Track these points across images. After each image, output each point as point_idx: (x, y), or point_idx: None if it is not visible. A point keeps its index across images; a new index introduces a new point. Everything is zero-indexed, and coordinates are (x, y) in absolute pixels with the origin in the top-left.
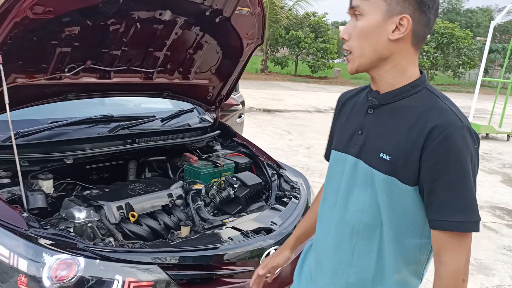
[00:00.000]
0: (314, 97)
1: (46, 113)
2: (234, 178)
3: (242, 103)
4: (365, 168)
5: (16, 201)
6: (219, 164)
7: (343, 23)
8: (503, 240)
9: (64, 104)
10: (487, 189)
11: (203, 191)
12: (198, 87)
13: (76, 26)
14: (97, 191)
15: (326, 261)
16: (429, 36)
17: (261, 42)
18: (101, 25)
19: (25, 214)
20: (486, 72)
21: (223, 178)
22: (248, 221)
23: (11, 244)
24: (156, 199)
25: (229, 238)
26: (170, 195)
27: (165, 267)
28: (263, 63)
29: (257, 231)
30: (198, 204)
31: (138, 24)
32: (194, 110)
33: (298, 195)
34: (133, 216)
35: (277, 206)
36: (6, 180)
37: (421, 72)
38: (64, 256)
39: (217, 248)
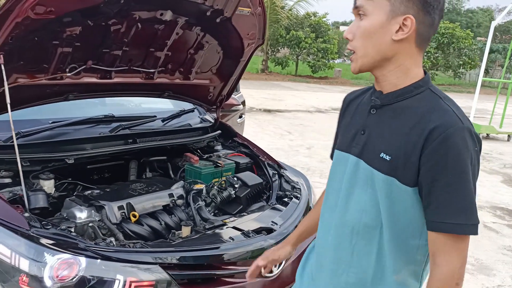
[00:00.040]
0: (314, 97)
1: (47, 113)
2: (235, 178)
3: (243, 103)
4: (366, 168)
5: (18, 201)
6: (220, 164)
7: (344, 23)
8: (503, 240)
9: (65, 104)
10: (488, 189)
11: (204, 191)
12: (199, 87)
13: (77, 26)
14: (98, 191)
15: (326, 261)
16: None
17: (262, 42)
18: (102, 25)
19: (26, 214)
20: (486, 72)
21: (224, 178)
22: (249, 221)
23: (13, 243)
24: (157, 199)
25: (230, 238)
26: (171, 195)
27: (166, 267)
28: (264, 63)
29: (258, 231)
30: (199, 204)
31: (139, 24)
32: (195, 110)
33: (299, 195)
34: (134, 216)
35: (278, 206)
36: (8, 180)
37: (425, 72)
38: (66, 255)
39: (218, 248)
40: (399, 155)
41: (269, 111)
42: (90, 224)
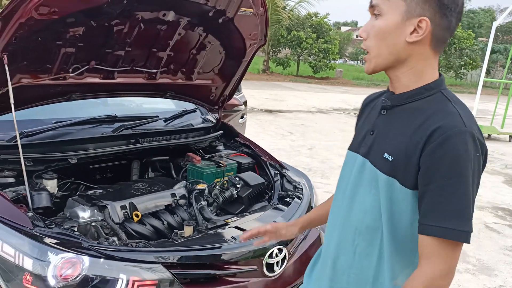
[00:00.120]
0: (316, 97)
1: (50, 113)
2: (237, 178)
3: (245, 103)
4: (371, 169)
5: (21, 200)
6: (222, 164)
7: (345, 24)
8: (505, 241)
9: (68, 104)
10: (489, 190)
11: (206, 191)
12: (201, 87)
13: (80, 27)
14: (100, 191)
15: (329, 260)
16: None
17: (263, 43)
18: (105, 25)
19: (30, 213)
20: (488, 72)
21: (226, 178)
22: (251, 221)
23: (17, 243)
24: (160, 199)
25: (232, 237)
26: (173, 195)
27: (168, 266)
28: (265, 63)
29: None
30: (201, 203)
31: (141, 24)
32: (197, 110)
33: (300, 195)
34: (137, 215)
35: (280, 206)
36: (11, 180)
37: (440, 75)
38: (69, 255)
39: (220, 247)
40: (400, 156)
41: (270, 111)
42: (93, 224)
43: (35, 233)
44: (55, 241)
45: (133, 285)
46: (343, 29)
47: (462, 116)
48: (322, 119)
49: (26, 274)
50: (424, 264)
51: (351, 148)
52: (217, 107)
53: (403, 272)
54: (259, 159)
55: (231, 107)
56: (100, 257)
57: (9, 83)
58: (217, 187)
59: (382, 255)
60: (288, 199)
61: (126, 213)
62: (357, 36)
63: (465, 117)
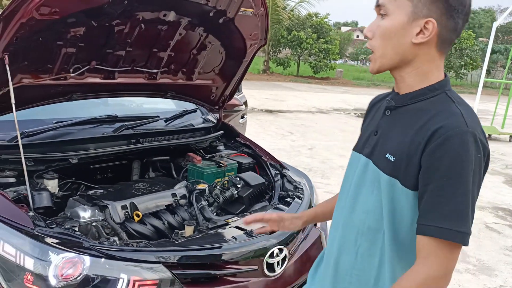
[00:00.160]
0: (316, 97)
1: (51, 113)
2: (238, 178)
3: (245, 103)
4: (373, 169)
5: (22, 200)
6: (223, 164)
7: (345, 24)
8: (505, 241)
9: (69, 104)
10: (490, 190)
11: (207, 191)
12: (201, 87)
13: (81, 27)
14: (101, 191)
15: (332, 260)
16: None
17: (264, 43)
18: (106, 25)
19: (31, 213)
20: (488, 73)
21: (226, 178)
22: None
23: (18, 242)
24: (160, 199)
25: (233, 237)
26: (174, 195)
27: (169, 266)
28: (265, 63)
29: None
30: (201, 203)
31: (142, 24)
32: (198, 110)
33: (301, 195)
34: (138, 215)
35: (280, 206)
36: (12, 180)
37: (445, 75)
38: (70, 254)
39: (220, 247)
40: (402, 156)
41: (270, 111)
42: (94, 224)
43: (36, 232)
44: (56, 241)
45: (133, 284)
46: (344, 29)
47: (464, 116)
48: (322, 119)
49: (27, 273)
50: (420, 263)
51: (355, 148)
52: (217, 107)
53: (402, 273)
54: (260, 159)
55: (231, 107)
56: (101, 257)
57: (10, 83)
58: (218, 187)
59: (383, 256)
60: (288, 199)
61: (127, 213)
62: (357, 36)
63: (467, 118)
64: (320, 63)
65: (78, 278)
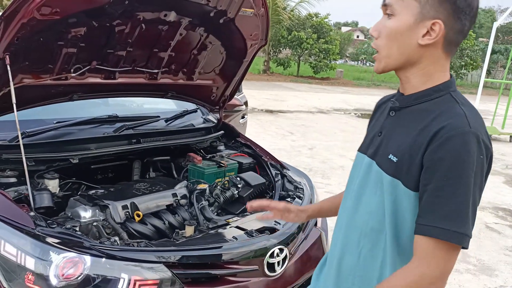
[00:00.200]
0: (316, 98)
1: (52, 113)
2: (238, 178)
3: (245, 103)
4: (377, 170)
5: (23, 200)
6: (223, 164)
7: (346, 24)
8: (506, 241)
9: (70, 104)
10: (490, 190)
11: (207, 191)
12: (202, 87)
13: (82, 27)
14: (102, 191)
15: (335, 260)
16: None
17: (264, 43)
18: (107, 26)
19: (32, 213)
20: (488, 73)
21: (227, 178)
22: (252, 221)
23: (19, 242)
24: (161, 199)
25: (233, 237)
26: (174, 195)
27: (170, 265)
28: (266, 64)
29: (261, 231)
30: (202, 203)
31: (143, 25)
32: (198, 110)
33: (301, 195)
34: (138, 215)
35: None
36: (13, 180)
37: (450, 76)
38: (71, 254)
39: (221, 247)
40: (405, 157)
41: (271, 111)
42: (95, 223)
43: (37, 232)
44: (57, 240)
45: (134, 284)
46: (344, 29)
47: (468, 117)
48: (322, 119)
49: (28, 273)
50: (415, 262)
51: (360, 149)
52: (218, 107)
53: None
54: (260, 159)
55: (232, 107)
56: (101, 257)
57: (11, 83)
58: (218, 187)
59: (385, 257)
60: (289, 199)
61: (127, 213)
62: (357, 37)
63: (471, 119)
64: (320, 63)
65: (79, 278)
